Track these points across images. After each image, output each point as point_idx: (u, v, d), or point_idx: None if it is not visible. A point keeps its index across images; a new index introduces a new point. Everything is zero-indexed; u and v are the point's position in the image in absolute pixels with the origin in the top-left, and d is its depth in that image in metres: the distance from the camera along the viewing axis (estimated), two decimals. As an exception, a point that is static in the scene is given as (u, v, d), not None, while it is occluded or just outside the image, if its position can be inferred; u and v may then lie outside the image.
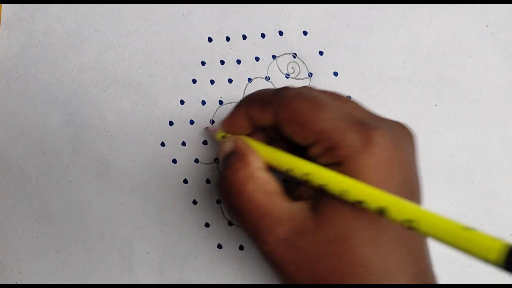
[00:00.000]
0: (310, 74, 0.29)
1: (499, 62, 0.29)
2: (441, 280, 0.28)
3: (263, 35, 0.29)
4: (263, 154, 0.22)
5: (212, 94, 0.29)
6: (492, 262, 0.14)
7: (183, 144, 0.29)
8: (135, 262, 0.28)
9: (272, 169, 0.22)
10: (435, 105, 0.29)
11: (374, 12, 0.29)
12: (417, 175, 0.21)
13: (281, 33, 0.29)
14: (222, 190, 0.22)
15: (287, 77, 0.29)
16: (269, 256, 0.20)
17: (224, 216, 0.28)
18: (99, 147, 0.29)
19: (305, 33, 0.29)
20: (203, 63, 0.29)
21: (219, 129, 0.24)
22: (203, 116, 0.29)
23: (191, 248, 0.28)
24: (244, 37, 0.29)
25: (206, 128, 0.28)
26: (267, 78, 0.29)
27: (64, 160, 0.29)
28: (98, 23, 0.29)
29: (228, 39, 0.29)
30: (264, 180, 0.21)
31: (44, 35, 0.29)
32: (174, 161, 0.29)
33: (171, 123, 0.29)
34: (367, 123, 0.19)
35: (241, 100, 0.23)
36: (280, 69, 0.29)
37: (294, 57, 0.29)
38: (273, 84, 0.29)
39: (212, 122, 0.29)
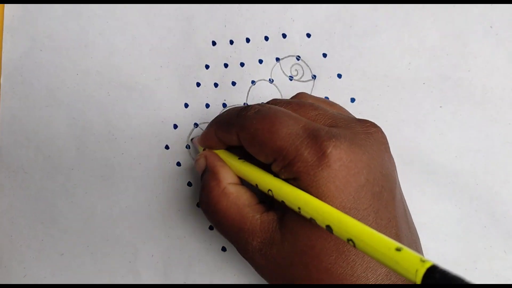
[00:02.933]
0: (314, 76, 0.29)
1: (504, 63, 0.29)
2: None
3: (266, 38, 0.29)
4: (234, 168, 0.24)
5: (216, 97, 0.29)
6: (417, 284, 0.15)
7: (187, 147, 0.29)
8: (140, 265, 0.28)
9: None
10: (440, 106, 0.29)
11: (378, 14, 0.29)
12: (385, 174, 0.21)
13: (284, 35, 0.29)
14: (202, 209, 0.24)
15: (291, 80, 0.29)
16: (250, 262, 0.23)
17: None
18: (104, 150, 0.29)
19: (308, 35, 0.29)
20: (207, 66, 0.29)
21: None
22: (207, 119, 0.29)
23: (196, 251, 0.28)
24: (248, 40, 0.29)
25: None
26: (271, 81, 0.29)
27: (68, 163, 0.29)
28: (102, 26, 0.29)
29: (231, 42, 0.29)
30: (235, 195, 0.23)
31: (48, 39, 0.29)
32: (178, 164, 0.29)
33: (175, 126, 0.29)
34: (321, 135, 0.20)
35: (211, 121, 0.24)
36: (283, 72, 0.29)
37: (298, 60, 0.29)
38: (276, 87, 0.29)
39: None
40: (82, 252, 0.29)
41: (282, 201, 0.20)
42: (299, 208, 0.19)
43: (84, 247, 0.29)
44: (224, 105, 0.29)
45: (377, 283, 0.20)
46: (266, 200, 0.23)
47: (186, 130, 0.29)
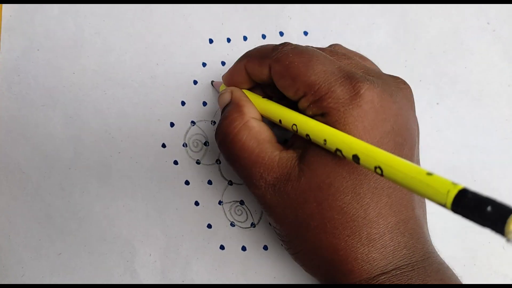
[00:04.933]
0: (311, 74, 0.29)
1: (500, 59, 0.29)
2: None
3: (263, 36, 0.29)
4: (258, 105, 0.24)
5: (213, 95, 0.29)
6: (445, 207, 0.15)
7: (184, 145, 0.29)
8: (138, 264, 0.28)
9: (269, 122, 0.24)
10: (437, 103, 0.29)
11: (374, 11, 0.29)
12: (409, 129, 0.22)
13: (281, 33, 0.29)
14: (218, 139, 0.23)
15: (288, 77, 0.29)
16: (260, 199, 0.22)
17: (226, 217, 0.28)
18: (100, 149, 0.29)
19: (305, 33, 0.29)
20: (204, 64, 0.29)
21: (222, 83, 0.26)
22: (204, 117, 0.29)
23: (194, 250, 0.28)
24: (245, 38, 0.29)
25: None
26: (268, 79, 0.29)
27: (65, 163, 0.29)
28: (98, 25, 0.29)
29: (229, 40, 0.29)
30: (257, 129, 0.22)
31: (44, 38, 0.29)
32: (175, 162, 0.29)
33: (172, 124, 0.29)
34: (356, 77, 0.20)
35: (241, 56, 0.24)
36: (280, 69, 0.29)
37: (295, 57, 0.29)
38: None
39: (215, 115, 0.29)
40: (79, 252, 0.29)
41: (307, 135, 0.21)
42: (324, 141, 0.20)
43: (82, 247, 0.29)
44: (221, 103, 0.29)
45: (386, 230, 0.20)
46: (284, 142, 0.23)
47: (183, 128, 0.29)
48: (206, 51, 0.29)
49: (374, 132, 0.20)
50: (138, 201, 0.29)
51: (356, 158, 0.18)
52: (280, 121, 0.22)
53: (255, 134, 0.22)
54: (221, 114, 0.24)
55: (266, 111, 0.23)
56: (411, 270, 0.20)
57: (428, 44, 0.29)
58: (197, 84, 0.29)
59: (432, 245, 0.22)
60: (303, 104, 0.21)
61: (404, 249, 0.20)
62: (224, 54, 0.29)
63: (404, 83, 0.23)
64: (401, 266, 0.20)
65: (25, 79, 0.29)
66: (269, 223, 0.25)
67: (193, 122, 0.29)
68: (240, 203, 0.28)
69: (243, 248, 0.28)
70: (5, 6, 0.29)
